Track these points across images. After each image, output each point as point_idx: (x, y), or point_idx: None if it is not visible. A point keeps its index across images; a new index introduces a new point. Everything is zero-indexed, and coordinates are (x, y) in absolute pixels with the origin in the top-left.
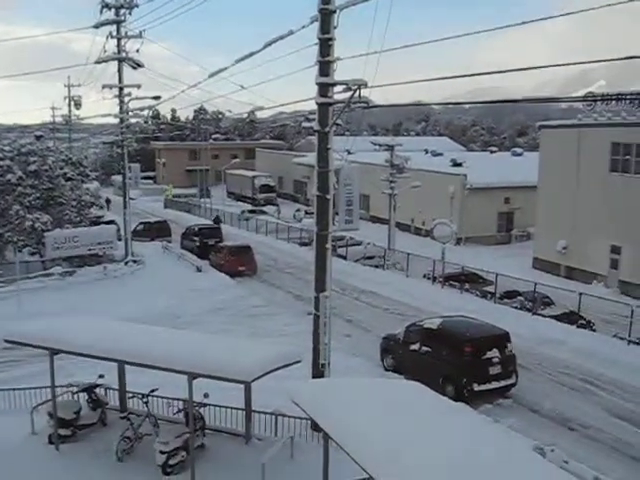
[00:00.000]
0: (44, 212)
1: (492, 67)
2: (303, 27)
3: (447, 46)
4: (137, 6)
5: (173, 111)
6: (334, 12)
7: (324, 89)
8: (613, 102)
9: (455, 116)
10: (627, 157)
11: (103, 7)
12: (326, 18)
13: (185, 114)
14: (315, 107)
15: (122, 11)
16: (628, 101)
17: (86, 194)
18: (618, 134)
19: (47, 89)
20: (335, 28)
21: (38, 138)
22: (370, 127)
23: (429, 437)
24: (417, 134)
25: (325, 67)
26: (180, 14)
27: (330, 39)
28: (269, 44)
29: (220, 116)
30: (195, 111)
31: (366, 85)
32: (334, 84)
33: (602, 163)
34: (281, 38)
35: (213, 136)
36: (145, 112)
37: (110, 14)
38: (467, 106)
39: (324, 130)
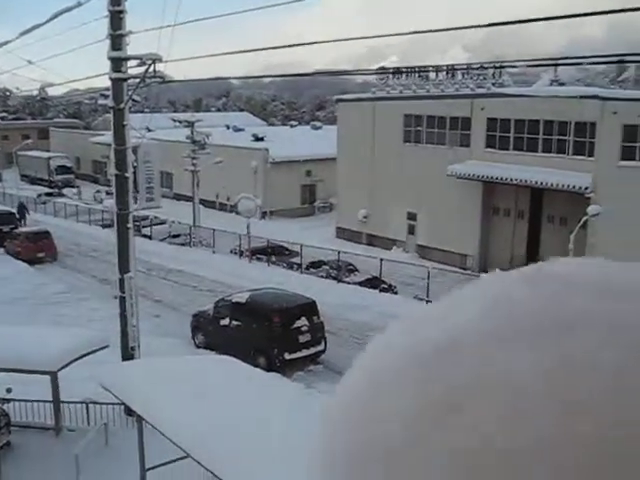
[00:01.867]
0: None
1: (291, 41)
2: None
3: (248, 19)
4: None
5: None
6: None
7: (117, 64)
8: (404, 76)
9: (255, 91)
10: (418, 128)
11: None
12: None
13: None
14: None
15: None
16: (417, 74)
17: None
18: (409, 106)
19: None
20: (126, 0)
21: None
22: (170, 104)
23: (243, 409)
24: (218, 110)
25: (117, 41)
26: None
27: (121, 12)
28: (55, 16)
29: (7, 94)
30: None
31: (161, 60)
32: (127, 59)
33: (396, 134)
34: (68, 10)
35: (0, 115)
36: None
37: None
38: (267, 81)
39: (119, 106)
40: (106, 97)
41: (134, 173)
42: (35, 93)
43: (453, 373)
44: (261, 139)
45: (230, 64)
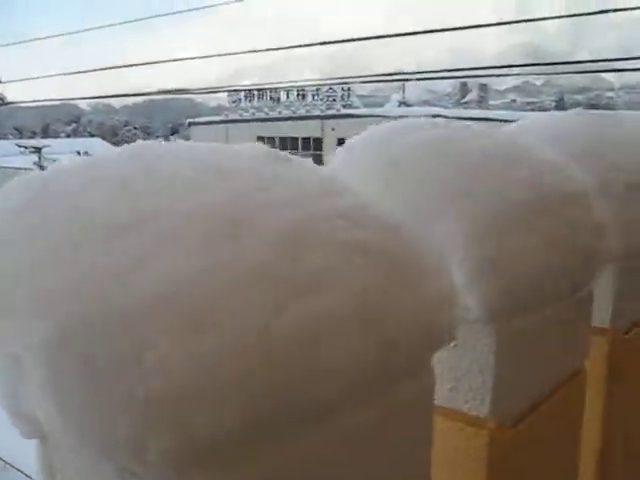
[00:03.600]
0: None
1: (144, 65)
2: None
3: (96, 40)
4: None
5: None
6: None
7: None
8: (256, 99)
9: (107, 117)
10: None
11: None
12: None
13: None
14: None
15: None
16: (269, 97)
17: None
18: (262, 128)
19: None
20: None
21: None
22: (16, 130)
23: None
24: (68, 136)
25: None
26: None
27: None
28: None
29: None
30: None
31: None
32: None
33: None
34: None
35: None
36: None
37: None
38: (118, 106)
39: None
40: None
41: None
42: None
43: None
44: None
45: (79, 89)
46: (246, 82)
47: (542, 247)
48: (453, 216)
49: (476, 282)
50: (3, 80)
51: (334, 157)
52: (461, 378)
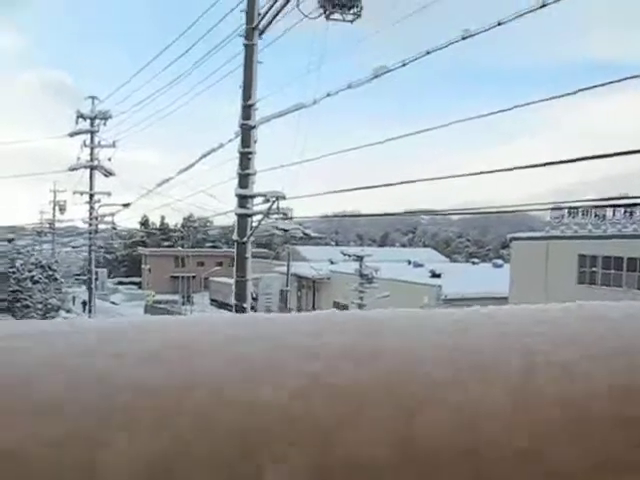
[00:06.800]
0: (9, 314)
1: (480, 180)
2: (230, 141)
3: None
4: (111, 117)
5: (162, 218)
6: (254, 127)
7: (243, 201)
8: (580, 215)
9: (442, 228)
10: (593, 269)
11: (78, 117)
12: (246, 133)
13: (174, 221)
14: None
15: (97, 122)
16: (594, 214)
17: (53, 297)
18: (585, 246)
19: (36, 192)
20: (255, 142)
21: (10, 241)
22: (358, 237)
23: None
24: (403, 245)
25: (244, 180)
26: (152, 124)
27: (250, 153)
28: (204, 156)
29: (208, 224)
30: (184, 218)
31: (284, 197)
32: (252, 196)
33: (570, 275)
34: (213, 150)
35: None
36: (110, 218)
37: (85, 124)
38: (455, 218)
39: (242, 240)
40: (286, 230)
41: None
42: (231, 224)
43: None
44: (438, 276)
45: (419, 200)
46: (586, 196)
47: None
48: None
49: None
50: (287, 196)
51: None
52: None
